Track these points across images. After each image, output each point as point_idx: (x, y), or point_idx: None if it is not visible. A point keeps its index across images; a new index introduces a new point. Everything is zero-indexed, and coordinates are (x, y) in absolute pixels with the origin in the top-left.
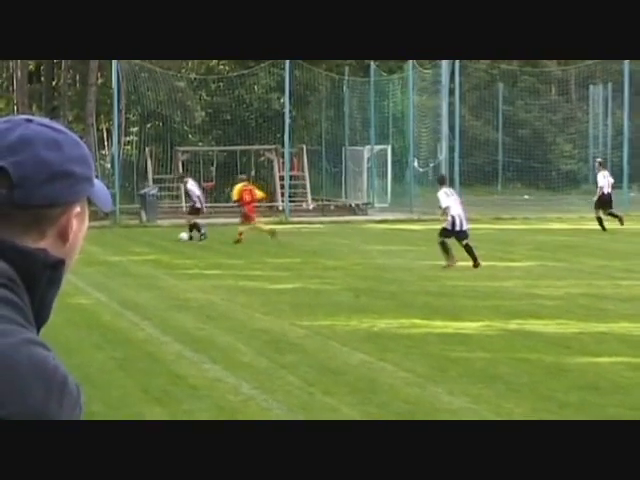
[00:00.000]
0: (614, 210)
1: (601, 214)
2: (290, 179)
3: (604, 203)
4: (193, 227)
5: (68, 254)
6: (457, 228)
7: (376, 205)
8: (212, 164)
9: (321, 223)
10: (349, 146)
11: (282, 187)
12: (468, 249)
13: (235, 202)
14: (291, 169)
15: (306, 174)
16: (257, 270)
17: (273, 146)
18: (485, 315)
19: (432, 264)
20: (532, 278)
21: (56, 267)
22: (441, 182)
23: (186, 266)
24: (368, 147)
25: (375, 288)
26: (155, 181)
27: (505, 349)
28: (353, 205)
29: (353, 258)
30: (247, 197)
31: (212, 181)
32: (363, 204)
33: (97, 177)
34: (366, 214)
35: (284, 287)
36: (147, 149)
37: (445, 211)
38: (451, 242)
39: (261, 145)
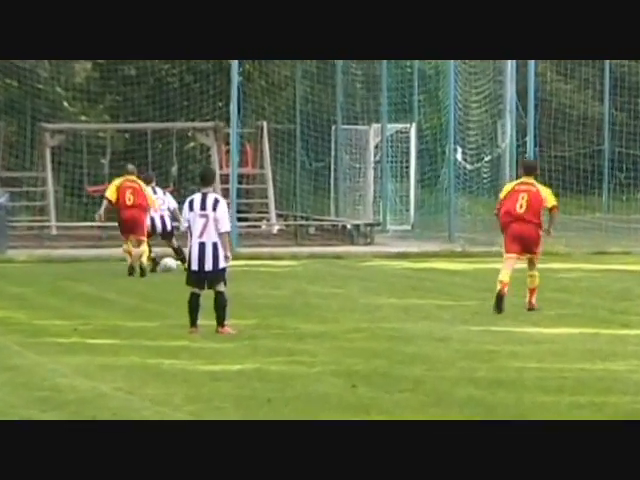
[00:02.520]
0: None
1: None
2: (239, 181)
3: None
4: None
5: None
6: (194, 267)
7: (390, 227)
8: (104, 153)
9: (294, 258)
10: (343, 125)
11: (226, 194)
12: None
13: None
14: (241, 163)
15: (268, 172)
16: (180, 339)
17: (210, 123)
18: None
19: (484, 330)
20: None
21: None
22: (203, 180)
23: (58, 331)
24: (376, 126)
25: (386, 371)
26: (4, 182)
27: None
28: (350, 227)
29: (348, 319)
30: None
31: (104, 182)
32: (367, 225)
33: None
34: (372, 243)
35: (226, 369)
36: None
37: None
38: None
39: (189, 122)
